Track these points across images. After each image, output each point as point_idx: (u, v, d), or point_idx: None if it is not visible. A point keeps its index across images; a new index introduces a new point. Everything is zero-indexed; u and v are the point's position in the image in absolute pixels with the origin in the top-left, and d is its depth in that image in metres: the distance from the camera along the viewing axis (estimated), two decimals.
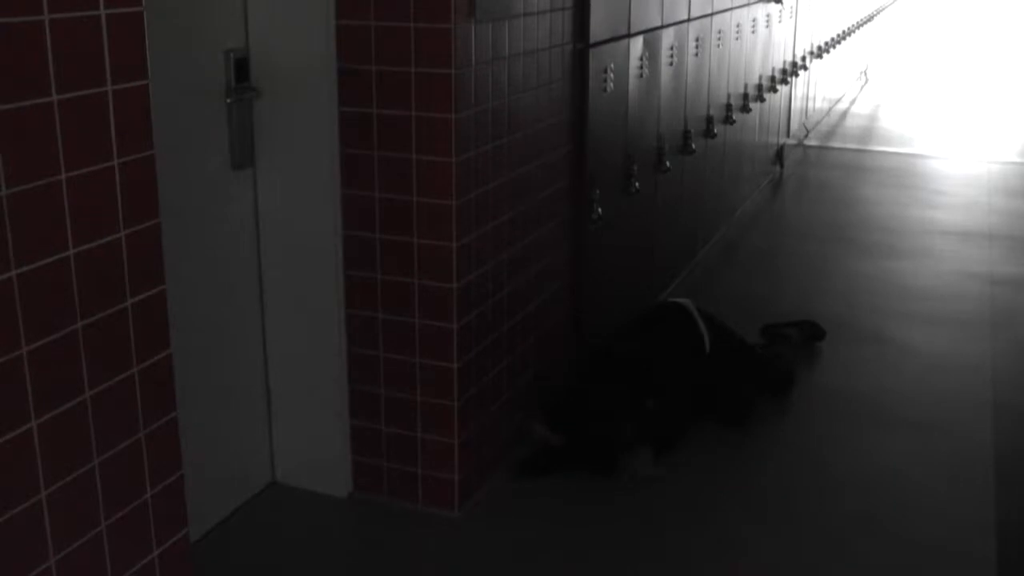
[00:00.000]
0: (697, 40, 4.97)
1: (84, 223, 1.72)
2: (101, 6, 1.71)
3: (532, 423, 3.55)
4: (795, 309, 4.87)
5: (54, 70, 1.63)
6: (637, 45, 4.16)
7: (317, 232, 3.02)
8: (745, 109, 6.07)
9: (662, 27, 4.45)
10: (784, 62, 7.32)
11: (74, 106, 1.68)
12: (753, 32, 6.21)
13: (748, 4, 5.99)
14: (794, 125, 8.05)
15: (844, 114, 10.48)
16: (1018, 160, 8.70)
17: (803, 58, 8.02)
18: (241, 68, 2.88)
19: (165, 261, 1.92)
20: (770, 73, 6.82)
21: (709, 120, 5.31)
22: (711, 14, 5.19)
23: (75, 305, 1.73)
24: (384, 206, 2.98)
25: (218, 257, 2.94)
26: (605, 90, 3.86)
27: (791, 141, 7.90)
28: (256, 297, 3.11)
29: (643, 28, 4.21)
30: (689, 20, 4.83)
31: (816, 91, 9.03)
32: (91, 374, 1.78)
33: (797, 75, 7.78)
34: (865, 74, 12.40)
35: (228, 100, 2.86)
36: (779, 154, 7.58)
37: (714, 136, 5.37)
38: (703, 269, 5.48)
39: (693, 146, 4.97)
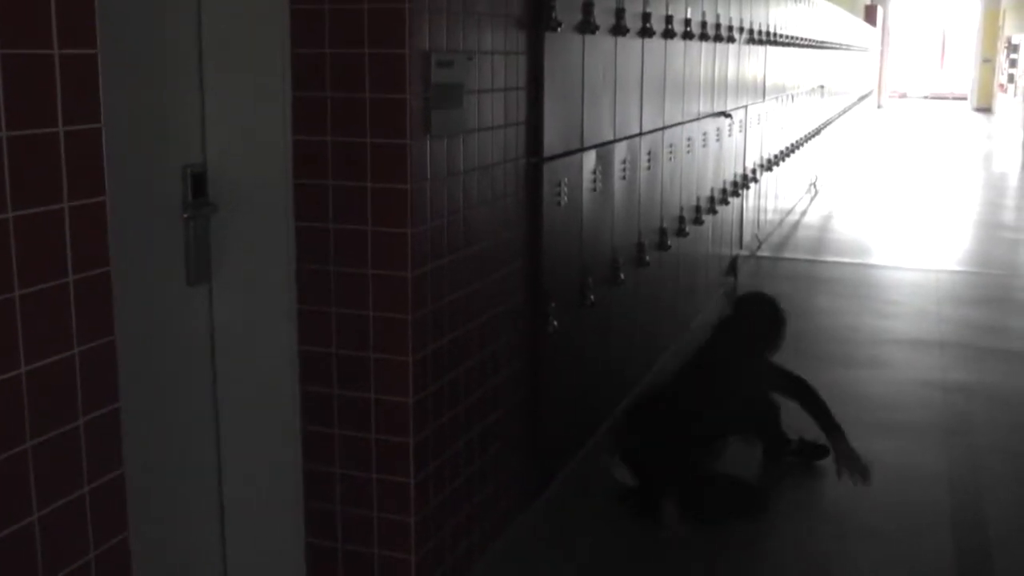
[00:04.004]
0: (649, 154, 5.07)
1: (37, 340, 1.71)
2: (60, 123, 1.72)
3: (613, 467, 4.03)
4: None
5: (11, 184, 1.64)
6: (590, 159, 4.23)
7: (273, 347, 3.01)
8: (698, 221, 6.17)
9: (614, 141, 4.54)
10: (735, 175, 7.46)
11: (29, 223, 1.68)
12: (704, 146, 6.34)
13: (699, 118, 6.13)
14: (747, 236, 8.18)
15: (796, 225, 10.66)
16: (964, 269, 8.88)
17: (753, 171, 8.18)
18: (198, 183, 2.89)
19: (119, 378, 1.90)
20: (722, 186, 6.95)
21: (662, 232, 5.38)
22: (662, 128, 5.30)
23: (25, 424, 1.70)
24: (340, 321, 2.98)
25: (173, 373, 2.91)
26: (559, 204, 3.91)
27: (744, 252, 8.01)
28: (211, 413, 3.07)
29: (596, 142, 4.30)
30: (641, 134, 4.93)
31: (767, 203, 9.20)
32: (40, 495, 1.74)
33: (748, 187, 7.93)
34: (814, 186, 12.67)
35: (185, 215, 2.87)
36: (732, 265, 7.68)
37: (668, 248, 5.44)
38: (660, 379, 5.49)
39: (647, 258, 5.03)
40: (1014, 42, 26.62)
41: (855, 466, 4.10)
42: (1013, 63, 26.36)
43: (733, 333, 4.27)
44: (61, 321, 1.76)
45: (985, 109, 31.65)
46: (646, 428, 4.10)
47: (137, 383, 2.52)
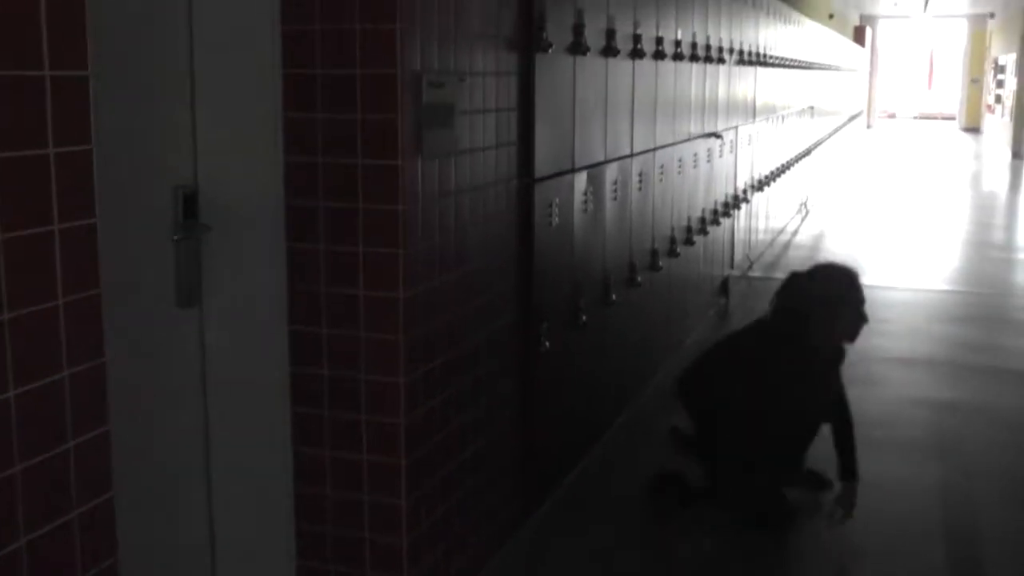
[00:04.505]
0: (640, 174, 5.08)
1: (26, 363, 1.70)
2: (50, 145, 1.72)
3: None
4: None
5: (1, 206, 1.63)
6: (581, 180, 4.24)
7: (265, 369, 3.00)
8: (689, 242, 6.17)
9: (606, 162, 4.54)
10: (726, 195, 7.48)
11: (19, 245, 1.67)
12: (695, 166, 6.35)
13: (690, 139, 6.15)
14: (738, 256, 8.19)
15: (787, 245, 10.69)
16: (954, 288, 8.90)
17: (744, 191, 8.21)
18: (189, 204, 2.89)
19: (109, 401, 1.89)
20: (713, 206, 6.97)
21: (654, 253, 5.39)
22: (654, 149, 5.32)
23: (14, 447, 1.69)
24: (332, 343, 2.97)
25: (163, 395, 2.90)
26: (551, 224, 3.91)
27: (736, 272, 8.02)
28: (202, 434, 3.06)
29: (587, 163, 4.30)
30: (632, 155, 4.94)
31: (758, 223, 9.22)
32: (28, 519, 1.73)
33: (739, 208, 7.94)
34: (805, 206, 12.71)
35: (175, 236, 2.86)
36: (724, 285, 7.68)
37: (659, 269, 5.44)
38: (653, 400, 5.49)
39: (639, 279, 5.03)
40: (1001, 62, 26.77)
41: (847, 513, 4.02)
42: (1000, 83, 26.51)
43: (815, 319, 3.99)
44: (51, 343, 1.75)
45: (973, 129, 31.81)
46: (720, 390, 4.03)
47: (127, 405, 2.51)
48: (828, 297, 4.01)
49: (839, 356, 4.14)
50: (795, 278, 4.13)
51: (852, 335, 4.03)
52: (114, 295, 2.04)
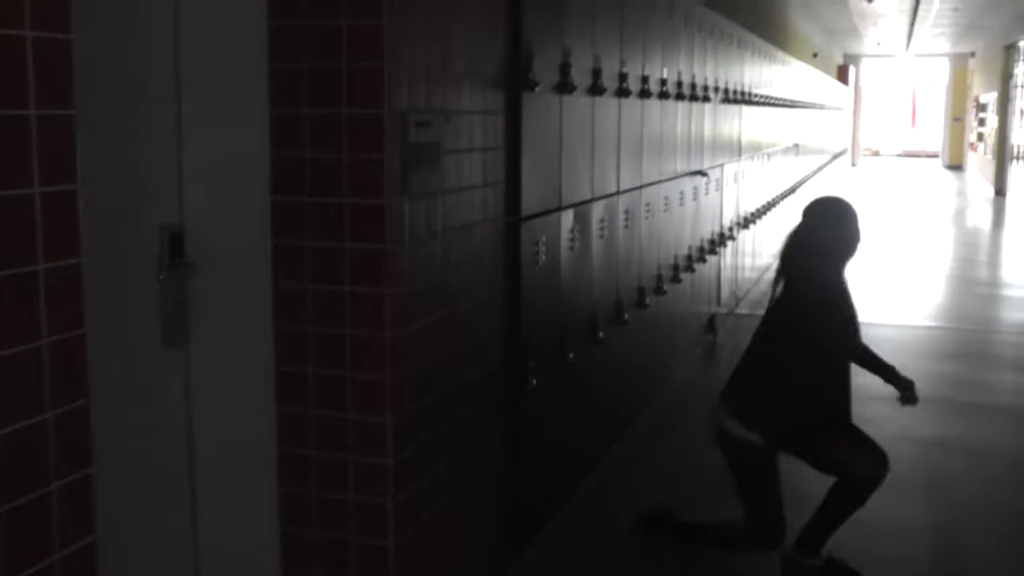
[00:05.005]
0: (627, 212, 5.09)
1: (9, 404, 1.68)
2: (35, 184, 1.71)
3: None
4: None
5: None
6: (568, 218, 4.24)
7: (252, 408, 2.98)
8: (676, 279, 6.18)
9: (592, 200, 4.55)
10: (712, 233, 7.51)
11: (4, 283, 1.66)
12: (681, 204, 6.38)
13: (675, 177, 6.17)
14: (725, 294, 8.20)
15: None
16: (940, 324, 8.93)
17: (730, 228, 8.24)
18: (176, 243, 2.88)
19: (93, 442, 1.87)
20: (699, 244, 6.98)
21: (641, 291, 5.39)
22: (640, 187, 5.33)
23: None
24: (318, 382, 2.96)
25: (148, 436, 2.87)
26: (537, 263, 3.91)
27: (722, 310, 8.03)
28: (188, 475, 3.03)
29: (574, 201, 4.31)
30: (619, 193, 4.95)
31: (745, 260, 9.24)
32: (10, 562, 1.71)
33: (725, 245, 7.97)
34: None
35: (161, 276, 2.84)
36: (711, 323, 7.69)
37: (646, 306, 5.44)
38: (640, 437, 5.47)
39: (626, 316, 5.03)
40: (982, 101, 27.02)
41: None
42: (982, 122, 26.74)
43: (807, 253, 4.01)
44: (34, 384, 1.74)
45: (956, 167, 32.05)
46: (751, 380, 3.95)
47: (112, 446, 2.48)
48: (829, 223, 4.07)
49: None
50: (799, 230, 4.13)
51: (855, 251, 4.08)
52: (99, 335, 2.03)
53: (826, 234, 3.97)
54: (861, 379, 4.15)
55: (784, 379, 3.80)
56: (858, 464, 3.83)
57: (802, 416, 3.82)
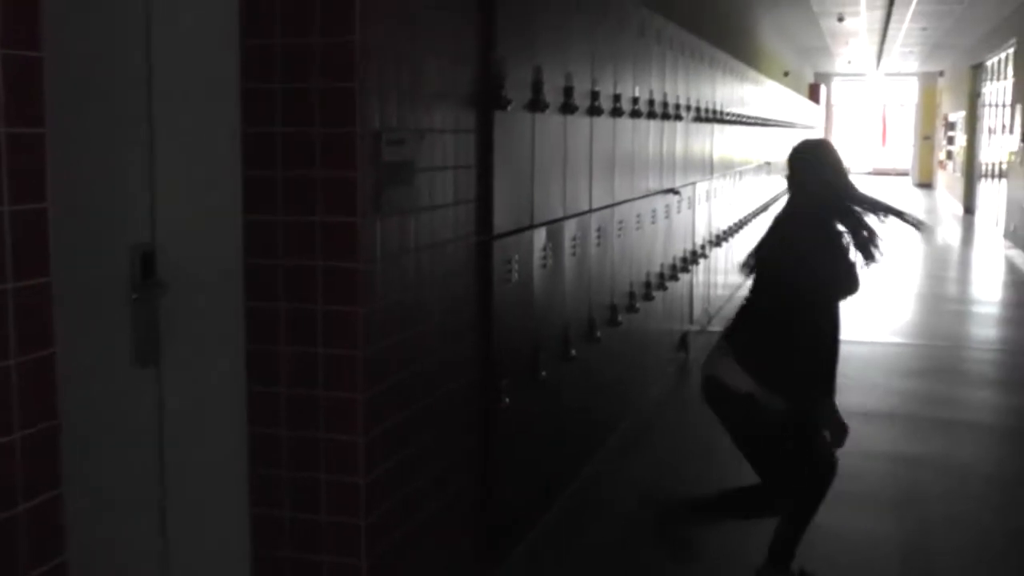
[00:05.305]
0: (599, 230, 5.11)
1: None
2: (4, 203, 1.71)
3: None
4: (704, 490, 4.87)
5: None
6: (540, 236, 4.25)
7: (223, 429, 2.97)
8: (648, 297, 6.20)
9: (564, 218, 4.57)
10: (685, 250, 7.54)
11: None
12: (653, 222, 6.40)
13: (648, 195, 6.20)
14: (697, 311, 8.23)
15: None
16: (910, 341, 8.99)
17: (703, 246, 8.27)
18: (147, 263, 2.86)
19: (63, 463, 1.86)
20: (671, 261, 7.01)
21: (613, 308, 5.41)
22: (612, 205, 5.36)
23: None
24: (291, 402, 2.95)
25: (119, 457, 2.85)
26: (510, 280, 3.92)
27: (694, 327, 8.06)
28: (159, 495, 3.01)
29: (546, 219, 4.32)
30: (591, 211, 4.97)
31: (717, 278, 9.28)
32: None
33: (697, 263, 8.00)
34: None
35: (134, 296, 2.83)
36: (683, 340, 7.71)
37: (619, 324, 5.46)
38: (614, 455, 5.48)
39: (598, 334, 5.04)
40: (951, 119, 27.27)
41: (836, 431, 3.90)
42: (951, 140, 26.98)
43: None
44: (2, 404, 1.73)
45: (926, 185, 32.30)
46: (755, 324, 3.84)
47: (82, 468, 2.46)
48: (826, 148, 4.16)
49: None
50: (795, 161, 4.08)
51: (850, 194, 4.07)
52: (70, 354, 2.02)
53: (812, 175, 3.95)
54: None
55: (789, 337, 3.72)
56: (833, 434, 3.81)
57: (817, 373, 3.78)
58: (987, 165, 19.90)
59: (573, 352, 4.65)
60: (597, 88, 4.92)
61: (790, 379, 3.72)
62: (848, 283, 3.86)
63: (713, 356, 3.90)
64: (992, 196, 18.63)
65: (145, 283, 2.85)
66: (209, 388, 2.96)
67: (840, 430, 3.84)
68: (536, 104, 4.10)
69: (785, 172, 4.01)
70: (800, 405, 3.76)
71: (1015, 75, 16.70)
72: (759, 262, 3.96)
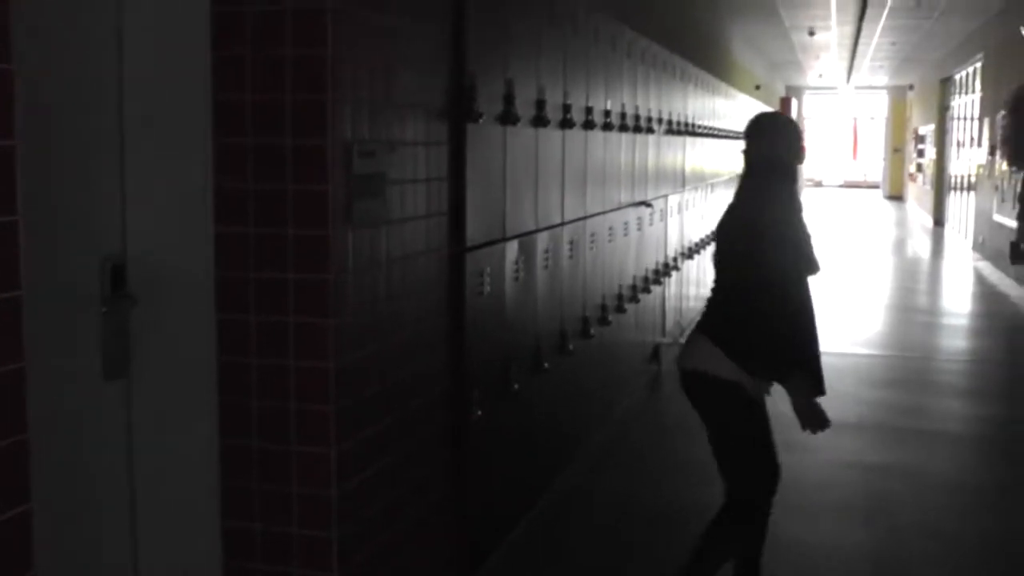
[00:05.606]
0: (571, 243, 5.13)
1: None
2: None
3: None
4: (677, 502, 4.89)
5: None
6: (513, 249, 4.27)
7: (193, 441, 2.96)
8: (620, 309, 6.22)
9: (537, 231, 4.58)
10: (657, 263, 7.57)
11: None
12: (625, 235, 6.43)
13: (620, 208, 6.23)
14: (669, 323, 8.26)
15: None
16: (880, 352, 9.06)
17: (675, 258, 8.31)
18: (118, 275, 2.86)
19: (31, 477, 1.85)
20: (643, 274, 7.04)
21: (585, 321, 5.42)
22: (584, 218, 5.38)
23: None
24: (261, 414, 2.95)
25: (88, 470, 2.84)
26: (482, 293, 3.93)
27: (667, 340, 8.09)
28: (128, 509, 3.00)
29: (518, 232, 4.34)
30: (563, 224, 4.99)
31: (689, 290, 9.32)
32: None
33: (670, 275, 8.03)
34: None
35: (103, 308, 2.82)
36: (656, 353, 7.73)
37: (591, 336, 5.47)
38: (585, 468, 5.49)
39: (571, 346, 5.06)
40: (921, 132, 27.51)
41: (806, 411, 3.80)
42: (921, 153, 27.21)
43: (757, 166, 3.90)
44: None
45: (897, 197, 32.55)
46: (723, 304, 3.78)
47: (51, 481, 2.45)
48: (783, 122, 4.09)
49: None
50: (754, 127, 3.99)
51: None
52: (39, 368, 2.01)
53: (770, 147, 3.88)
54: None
55: (765, 318, 3.68)
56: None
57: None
58: (956, 178, 20.09)
59: (546, 365, 4.66)
60: (569, 101, 4.94)
61: (762, 353, 3.67)
62: (810, 255, 3.85)
63: (689, 348, 3.82)
64: (961, 208, 18.81)
65: (115, 295, 2.84)
66: (179, 401, 2.95)
67: (812, 411, 3.76)
68: (508, 117, 4.12)
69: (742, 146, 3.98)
70: (773, 378, 3.73)
71: (983, 89, 16.88)
72: (720, 239, 3.94)
